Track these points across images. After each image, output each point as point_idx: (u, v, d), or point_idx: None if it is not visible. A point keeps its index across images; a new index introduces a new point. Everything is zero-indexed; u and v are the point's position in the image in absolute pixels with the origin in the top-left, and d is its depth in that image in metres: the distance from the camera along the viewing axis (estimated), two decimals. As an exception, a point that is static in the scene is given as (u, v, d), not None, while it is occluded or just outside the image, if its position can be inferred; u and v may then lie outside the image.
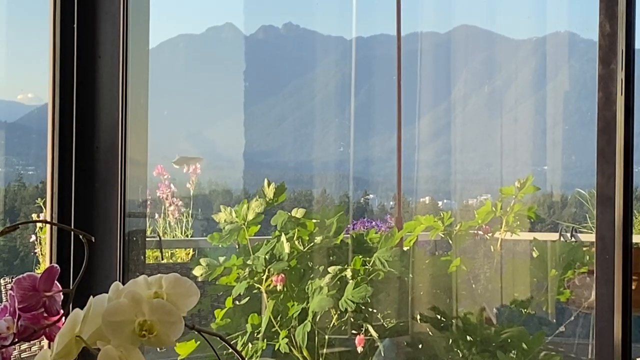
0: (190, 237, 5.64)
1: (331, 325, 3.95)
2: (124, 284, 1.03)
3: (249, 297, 4.02)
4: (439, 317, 3.99)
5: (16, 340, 1.01)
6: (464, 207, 5.24)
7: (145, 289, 1.01)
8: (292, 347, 3.86)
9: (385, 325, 4.07)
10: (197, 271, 4.00)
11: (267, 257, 3.96)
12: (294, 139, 7.66)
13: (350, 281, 3.93)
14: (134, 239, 2.44)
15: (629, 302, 2.30)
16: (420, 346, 4.08)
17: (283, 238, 4.00)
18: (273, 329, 3.90)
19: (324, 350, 3.92)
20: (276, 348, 3.86)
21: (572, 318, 4.28)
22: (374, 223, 4.92)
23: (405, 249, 4.27)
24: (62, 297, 1.05)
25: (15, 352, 1.05)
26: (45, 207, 3.19)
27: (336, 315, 3.94)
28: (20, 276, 1.03)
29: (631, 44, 2.30)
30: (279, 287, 3.93)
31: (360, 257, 4.01)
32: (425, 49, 5.40)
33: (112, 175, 2.36)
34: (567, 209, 5.86)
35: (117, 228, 2.35)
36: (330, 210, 4.22)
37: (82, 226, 2.32)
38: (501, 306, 4.31)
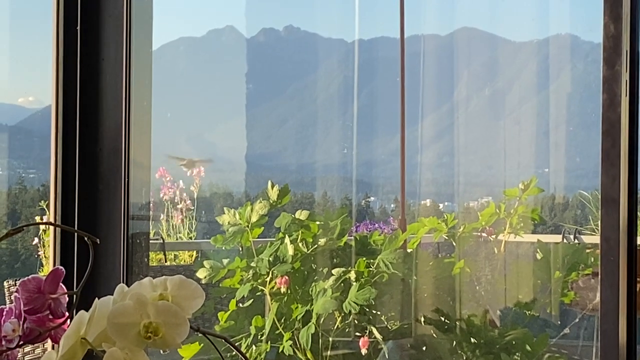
0: (194, 239, 5.63)
1: (335, 327, 3.94)
2: (128, 286, 1.02)
3: (252, 300, 4.01)
4: (442, 319, 3.99)
5: (22, 342, 1.00)
6: (465, 209, 5.23)
7: (151, 291, 1.01)
8: (296, 350, 3.86)
9: (389, 327, 4.06)
10: (201, 273, 4.00)
11: (270, 259, 3.96)
12: (295, 141, 7.65)
13: (354, 283, 3.93)
14: (138, 241, 2.43)
15: (633, 304, 2.30)
16: (424, 348, 4.07)
17: (287, 240, 3.99)
18: (277, 331, 3.89)
19: (328, 353, 3.92)
20: (280, 350, 3.86)
21: (577, 320, 4.27)
22: (376, 225, 4.91)
23: (409, 250, 4.26)
24: (67, 299, 1.04)
25: (19, 355, 1.05)
26: (48, 210, 3.19)
27: (340, 318, 3.93)
28: (26, 278, 1.02)
29: (636, 45, 2.29)
30: (282, 289, 3.92)
31: (364, 259, 4.00)
32: (427, 52, 5.39)
33: (116, 178, 2.36)
34: (569, 210, 5.85)
35: (120, 230, 2.35)
36: (333, 212, 4.21)
37: (86, 228, 2.32)
38: (505, 308, 4.30)
